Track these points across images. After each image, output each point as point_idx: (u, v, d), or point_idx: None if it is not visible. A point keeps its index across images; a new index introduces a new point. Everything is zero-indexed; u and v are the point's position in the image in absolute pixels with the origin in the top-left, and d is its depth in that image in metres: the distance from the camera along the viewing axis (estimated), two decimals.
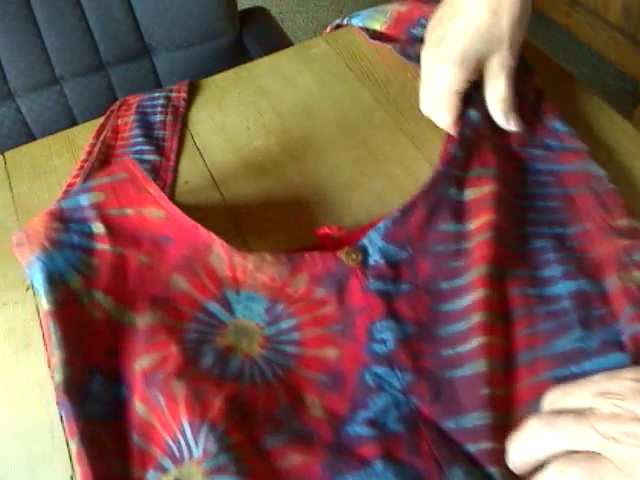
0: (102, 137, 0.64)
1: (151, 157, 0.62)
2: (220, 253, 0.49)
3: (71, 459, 0.45)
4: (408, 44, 0.67)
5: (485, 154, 0.55)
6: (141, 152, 0.62)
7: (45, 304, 0.47)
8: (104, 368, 0.46)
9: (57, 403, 0.44)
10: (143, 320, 0.47)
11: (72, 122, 0.91)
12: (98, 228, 0.50)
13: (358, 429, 0.43)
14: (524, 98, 0.60)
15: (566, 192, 0.54)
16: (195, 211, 0.58)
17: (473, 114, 0.56)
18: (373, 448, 0.41)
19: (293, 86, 0.69)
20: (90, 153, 0.62)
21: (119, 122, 0.65)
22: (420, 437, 0.42)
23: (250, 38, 0.97)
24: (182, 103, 0.67)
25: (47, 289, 0.47)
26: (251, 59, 0.76)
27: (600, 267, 0.48)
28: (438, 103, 0.57)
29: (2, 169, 0.64)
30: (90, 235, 0.50)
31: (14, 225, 0.59)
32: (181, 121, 0.66)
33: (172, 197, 0.60)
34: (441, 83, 0.56)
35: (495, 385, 0.43)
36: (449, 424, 0.42)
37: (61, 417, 0.45)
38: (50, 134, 0.67)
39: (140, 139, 0.63)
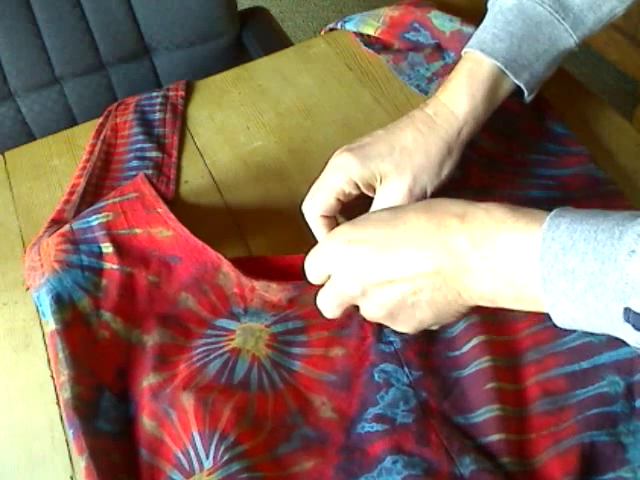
0: (102, 136, 0.64)
1: (153, 154, 0.62)
2: (228, 272, 0.49)
3: (71, 459, 0.45)
4: (401, 55, 0.68)
5: (479, 175, 0.55)
6: (142, 150, 0.62)
7: (52, 324, 0.47)
8: (113, 386, 0.46)
9: (66, 420, 0.44)
10: (152, 339, 0.47)
11: (72, 122, 0.91)
12: (107, 248, 0.51)
13: (368, 427, 0.43)
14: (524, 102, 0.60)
15: (570, 196, 0.54)
16: (195, 211, 0.58)
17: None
18: (383, 444, 0.41)
19: (293, 86, 0.68)
20: (91, 153, 0.62)
21: (118, 121, 0.65)
22: (429, 428, 0.42)
23: (250, 38, 0.97)
24: (180, 101, 0.67)
25: (55, 309, 0.48)
26: (251, 59, 0.76)
27: None
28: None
29: (2, 169, 0.64)
30: (100, 255, 0.50)
31: (14, 225, 0.59)
32: (180, 118, 0.66)
33: (176, 193, 0.60)
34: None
35: (502, 380, 0.43)
36: (458, 419, 0.43)
37: (61, 417, 0.46)
38: (50, 134, 0.67)
39: (141, 137, 0.63)
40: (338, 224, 0.50)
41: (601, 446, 0.40)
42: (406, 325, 0.43)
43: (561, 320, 0.36)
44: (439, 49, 0.68)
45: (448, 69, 0.65)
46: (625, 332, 0.34)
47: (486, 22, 0.53)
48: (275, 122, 0.65)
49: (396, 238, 0.40)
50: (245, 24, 0.98)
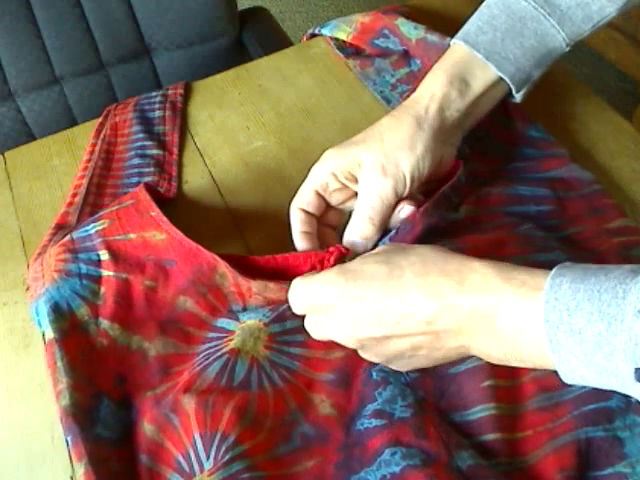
0: (102, 136, 0.64)
1: (154, 152, 0.62)
2: (225, 272, 0.49)
3: (71, 459, 0.45)
4: (368, 61, 0.68)
5: (469, 191, 0.55)
6: (143, 147, 0.62)
7: (50, 333, 0.47)
8: (112, 393, 0.46)
9: (64, 427, 0.44)
10: (154, 348, 0.47)
11: (72, 122, 0.91)
12: (104, 255, 0.51)
13: (367, 422, 0.43)
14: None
15: (555, 195, 0.54)
16: (195, 211, 0.59)
17: (461, 147, 0.55)
18: (381, 437, 0.42)
19: (293, 86, 0.68)
20: (92, 153, 0.62)
21: (117, 120, 0.65)
22: (427, 422, 0.42)
23: (250, 38, 0.97)
24: (179, 99, 0.67)
25: (52, 318, 0.48)
26: (251, 59, 0.76)
27: (599, 263, 0.48)
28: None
29: (2, 169, 0.64)
30: (97, 263, 0.50)
31: (14, 225, 0.59)
32: (180, 115, 0.66)
33: (179, 190, 0.60)
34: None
35: (498, 377, 0.43)
36: (454, 417, 0.43)
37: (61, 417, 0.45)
38: (50, 134, 0.67)
39: (141, 135, 0.63)
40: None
41: (598, 441, 0.40)
42: (403, 368, 0.44)
43: (570, 378, 0.36)
44: (406, 56, 0.68)
45: (413, 76, 0.66)
46: (637, 391, 0.34)
47: (473, 16, 0.54)
48: (275, 122, 0.65)
49: (393, 297, 0.40)
50: (245, 24, 0.98)
